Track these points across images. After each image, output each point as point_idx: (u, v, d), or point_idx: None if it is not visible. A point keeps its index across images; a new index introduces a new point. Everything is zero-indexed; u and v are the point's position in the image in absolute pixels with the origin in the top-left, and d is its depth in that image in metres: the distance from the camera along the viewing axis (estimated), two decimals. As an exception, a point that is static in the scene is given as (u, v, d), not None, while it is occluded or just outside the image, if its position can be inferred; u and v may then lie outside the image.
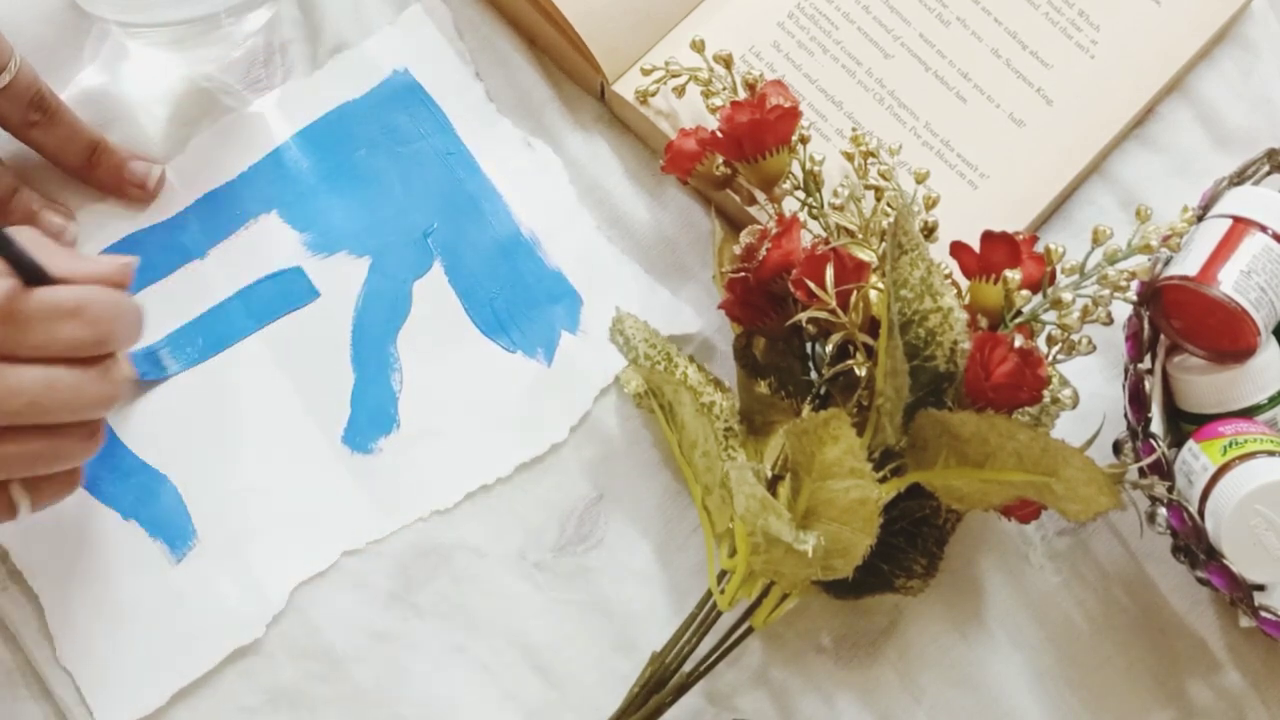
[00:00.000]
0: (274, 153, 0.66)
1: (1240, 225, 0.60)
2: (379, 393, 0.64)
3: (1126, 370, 0.61)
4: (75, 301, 0.52)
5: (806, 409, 0.61)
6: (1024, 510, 0.59)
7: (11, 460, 0.52)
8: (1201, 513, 0.58)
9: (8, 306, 0.50)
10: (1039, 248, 0.59)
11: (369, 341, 0.64)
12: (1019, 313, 0.58)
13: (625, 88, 0.66)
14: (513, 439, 0.64)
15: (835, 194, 0.63)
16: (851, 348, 0.58)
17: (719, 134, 0.62)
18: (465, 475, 0.63)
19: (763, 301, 0.61)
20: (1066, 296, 0.58)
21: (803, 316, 0.58)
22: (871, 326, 0.58)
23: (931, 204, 0.63)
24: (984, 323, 0.58)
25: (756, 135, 0.61)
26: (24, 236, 0.52)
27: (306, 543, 0.62)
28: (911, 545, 0.61)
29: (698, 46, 0.65)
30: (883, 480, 0.56)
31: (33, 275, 0.52)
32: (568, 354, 0.65)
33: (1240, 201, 0.61)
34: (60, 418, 0.53)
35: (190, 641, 0.60)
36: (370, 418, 0.63)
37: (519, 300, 0.65)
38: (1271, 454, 0.58)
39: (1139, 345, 0.60)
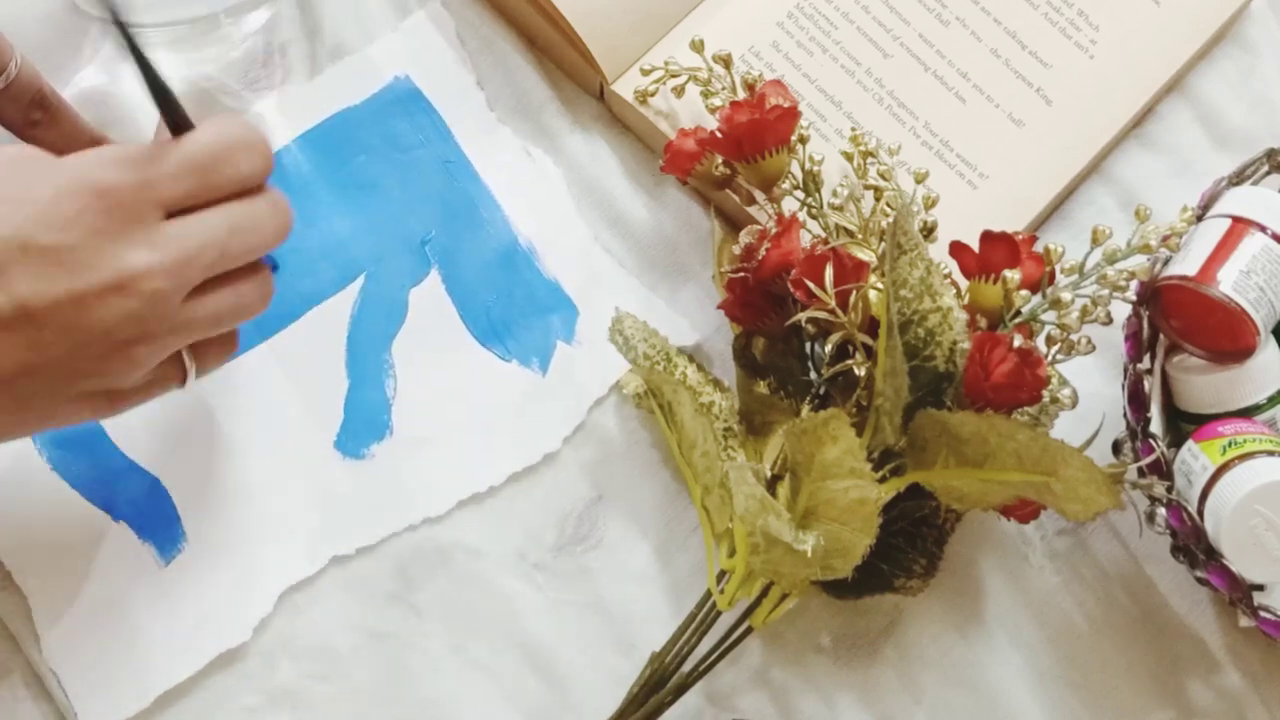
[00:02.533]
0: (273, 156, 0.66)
1: (1239, 225, 0.60)
2: (372, 399, 0.63)
3: (1126, 370, 0.61)
4: (239, 132, 0.51)
5: (806, 409, 0.61)
6: (1023, 510, 0.59)
7: (202, 321, 0.51)
8: (1201, 513, 0.58)
9: (175, 156, 0.49)
10: (1038, 248, 0.59)
11: (364, 347, 0.64)
12: (1018, 313, 0.58)
13: (625, 88, 0.66)
14: (506, 448, 0.63)
15: (834, 194, 0.63)
16: (851, 348, 0.58)
17: (718, 134, 0.62)
18: (457, 483, 0.63)
19: (762, 301, 0.61)
20: (1066, 296, 0.58)
21: (802, 316, 0.58)
22: (871, 326, 0.58)
23: (931, 204, 0.63)
24: (983, 323, 0.58)
25: (756, 135, 0.61)
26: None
27: (296, 547, 0.61)
28: (911, 545, 0.61)
29: (697, 46, 0.65)
30: (882, 480, 0.56)
31: (182, 124, 0.51)
32: (563, 364, 0.65)
33: (1239, 201, 0.61)
34: (246, 258, 0.52)
35: (177, 644, 0.60)
36: (363, 423, 0.63)
37: (515, 309, 0.65)
38: (1271, 454, 0.58)
39: (1138, 345, 0.60)
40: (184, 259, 0.49)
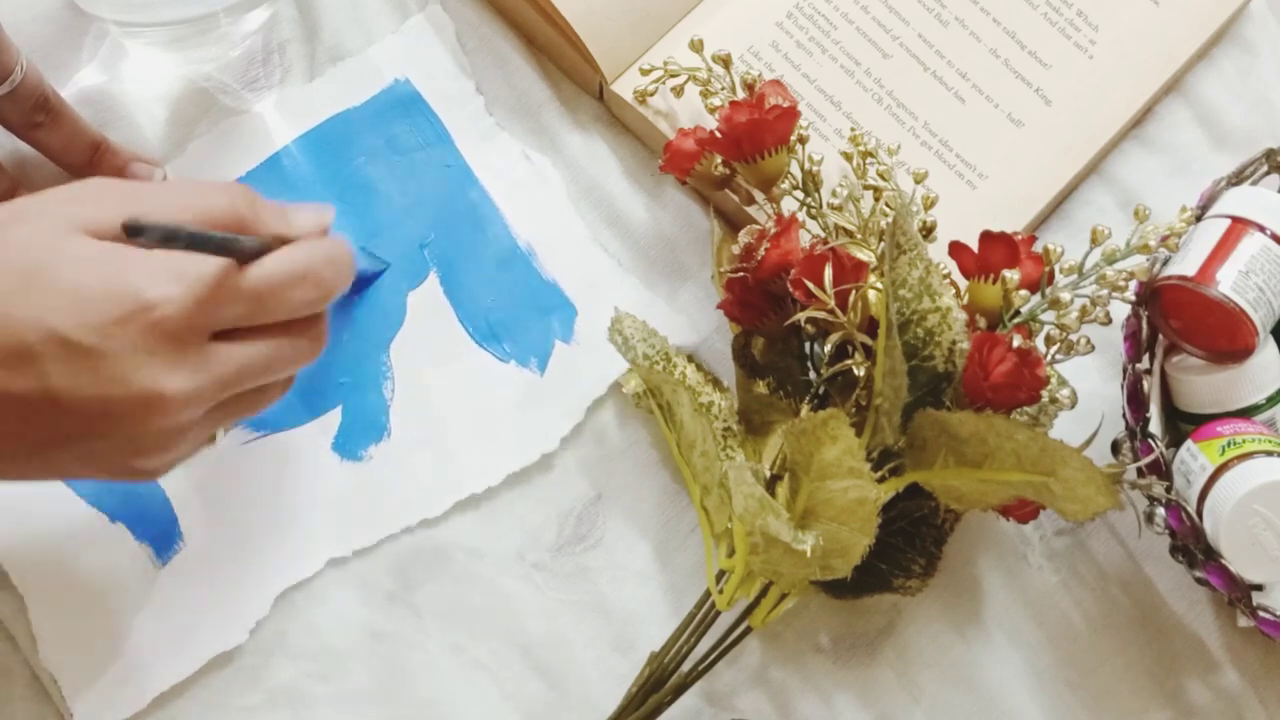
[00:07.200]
0: (272, 157, 0.66)
1: (1238, 225, 0.60)
2: (370, 401, 0.63)
3: (1125, 370, 0.61)
4: (306, 265, 0.52)
5: (805, 409, 0.61)
6: (1022, 510, 0.59)
7: (224, 419, 0.53)
8: (1200, 513, 0.58)
9: (231, 285, 0.49)
10: (1037, 248, 0.59)
11: (362, 350, 0.64)
12: (1017, 313, 0.58)
13: (624, 87, 0.66)
14: (504, 449, 0.63)
15: (834, 194, 0.63)
16: (850, 348, 0.59)
17: (717, 134, 0.62)
18: (455, 484, 0.63)
19: (761, 301, 0.61)
20: (1065, 296, 0.58)
21: (801, 316, 0.58)
22: (870, 326, 0.58)
23: (930, 204, 0.63)
24: (982, 323, 0.58)
25: (755, 135, 0.61)
26: (229, 197, 0.51)
27: (293, 550, 0.61)
28: (910, 545, 0.61)
29: (696, 46, 0.65)
30: (881, 480, 0.56)
31: (245, 252, 0.50)
32: (561, 364, 0.65)
33: (1238, 201, 0.61)
34: (275, 378, 0.53)
35: (173, 645, 0.60)
36: (361, 426, 0.63)
37: (513, 311, 0.65)
38: (1270, 454, 0.58)
39: (1137, 345, 0.60)
40: (220, 385, 0.50)
